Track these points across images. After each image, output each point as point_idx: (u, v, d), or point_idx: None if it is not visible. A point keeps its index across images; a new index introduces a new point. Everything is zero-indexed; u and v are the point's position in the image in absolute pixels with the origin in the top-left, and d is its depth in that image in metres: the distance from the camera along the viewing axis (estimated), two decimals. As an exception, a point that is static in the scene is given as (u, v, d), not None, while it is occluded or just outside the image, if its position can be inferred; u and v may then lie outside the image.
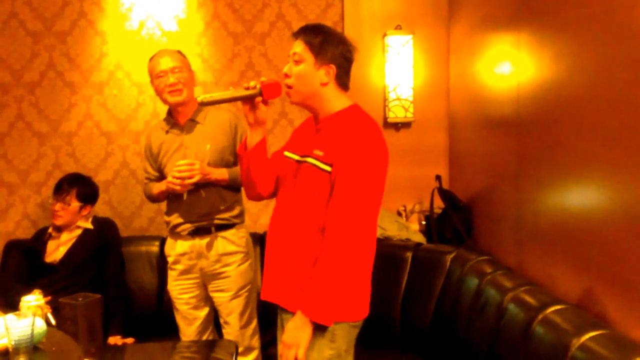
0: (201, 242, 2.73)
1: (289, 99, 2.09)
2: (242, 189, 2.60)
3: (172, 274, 2.83)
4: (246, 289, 2.79)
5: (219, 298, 2.77)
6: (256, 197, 2.27)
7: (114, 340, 3.01)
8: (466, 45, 3.49)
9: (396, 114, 3.71)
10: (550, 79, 2.44)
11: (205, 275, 2.76)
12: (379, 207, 2.04)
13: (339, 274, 1.92)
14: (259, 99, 2.04)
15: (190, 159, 2.66)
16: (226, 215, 2.76)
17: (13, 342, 1.82)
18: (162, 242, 3.49)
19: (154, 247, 3.50)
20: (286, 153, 2.18)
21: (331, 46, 2.02)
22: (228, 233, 2.75)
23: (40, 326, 1.93)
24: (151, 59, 2.82)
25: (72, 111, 3.66)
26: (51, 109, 3.64)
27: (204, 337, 2.85)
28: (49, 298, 2.38)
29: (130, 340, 3.04)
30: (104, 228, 3.26)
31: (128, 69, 3.66)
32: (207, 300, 2.83)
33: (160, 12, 3.65)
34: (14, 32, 3.58)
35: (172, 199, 2.79)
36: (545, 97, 2.48)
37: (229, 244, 2.75)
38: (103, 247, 3.21)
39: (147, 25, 3.65)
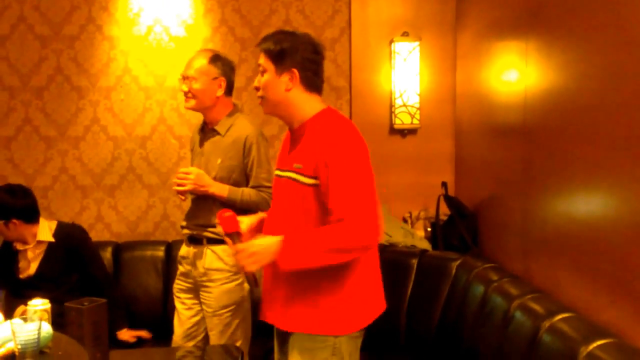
0: (194, 251, 2.72)
1: (263, 109, 2.10)
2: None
3: (177, 273, 2.85)
4: (229, 309, 2.67)
5: (204, 311, 2.73)
6: None
7: (126, 335, 3.00)
8: (473, 52, 3.49)
9: (402, 120, 3.71)
10: (558, 87, 2.43)
11: (196, 284, 2.74)
12: (377, 200, 1.99)
13: (334, 250, 1.88)
14: (226, 238, 2.02)
15: (188, 168, 2.66)
16: (218, 230, 2.64)
17: (19, 346, 1.82)
18: (168, 246, 3.52)
19: (160, 252, 3.50)
20: (275, 171, 2.17)
21: (291, 51, 2.01)
22: (218, 248, 2.67)
23: (47, 330, 1.94)
24: None
25: (79, 115, 3.67)
26: (58, 113, 3.65)
27: (192, 343, 2.81)
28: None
29: (143, 333, 3.06)
30: (68, 237, 3.11)
31: (135, 74, 3.67)
32: (202, 307, 2.79)
33: (168, 17, 3.66)
34: (23, 36, 3.60)
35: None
36: (552, 104, 2.47)
37: (216, 260, 2.66)
38: (74, 255, 3.09)
39: (154, 30, 3.66)
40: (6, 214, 2.98)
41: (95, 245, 3.27)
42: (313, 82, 2.06)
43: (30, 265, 3.06)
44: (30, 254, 3.07)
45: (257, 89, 2.07)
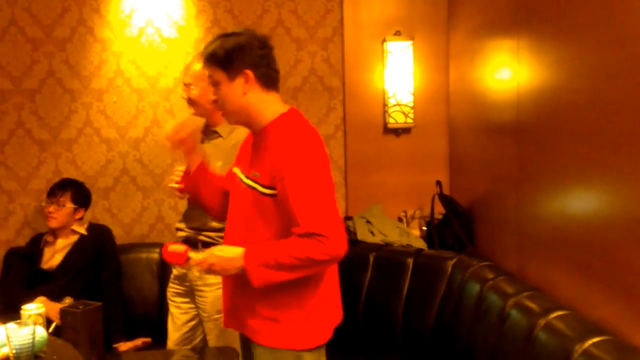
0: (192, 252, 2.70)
1: (227, 120, 2.04)
2: None
3: (171, 276, 2.83)
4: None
5: (200, 315, 2.72)
6: (220, 218, 2.24)
7: (125, 347, 3.03)
8: (466, 51, 3.50)
9: (396, 119, 3.72)
10: (551, 84, 2.44)
11: (192, 287, 2.73)
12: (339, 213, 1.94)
13: (305, 264, 1.83)
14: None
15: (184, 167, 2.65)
16: (213, 234, 2.65)
17: (14, 351, 1.82)
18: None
19: (154, 254, 3.49)
20: (234, 169, 2.10)
21: (237, 51, 1.91)
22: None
23: (41, 335, 1.93)
24: None
25: (72, 118, 3.65)
26: (51, 116, 3.64)
27: (188, 347, 2.80)
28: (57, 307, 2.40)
29: (140, 342, 3.09)
30: (99, 234, 3.30)
31: (128, 76, 3.66)
32: (198, 310, 2.78)
33: (160, 18, 3.65)
34: (14, 38, 3.58)
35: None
36: (545, 102, 2.48)
37: None
38: (98, 253, 3.23)
39: (146, 32, 3.65)
40: (86, 203, 3.33)
41: (117, 251, 3.38)
42: (269, 78, 1.95)
43: (55, 255, 3.20)
44: (59, 244, 3.23)
45: (215, 101, 1.99)
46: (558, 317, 2.07)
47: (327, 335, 2.00)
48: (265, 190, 1.90)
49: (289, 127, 1.93)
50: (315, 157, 1.90)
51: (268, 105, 1.96)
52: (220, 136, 2.69)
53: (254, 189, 1.93)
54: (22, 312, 2.11)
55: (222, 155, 2.64)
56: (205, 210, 2.32)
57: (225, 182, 2.19)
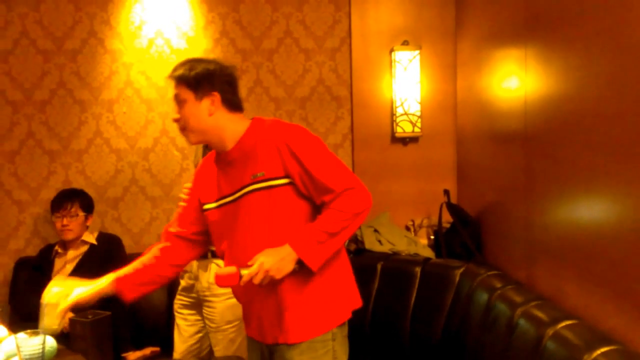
0: (198, 264, 2.71)
1: (188, 140, 2.06)
2: None
3: (178, 288, 2.83)
4: (233, 324, 2.69)
5: (207, 326, 2.72)
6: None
7: (134, 355, 3.04)
8: (473, 60, 3.50)
9: (404, 129, 3.72)
10: (558, 93, 2.44)
11: (199, 299, 2.73)
12: None
13: (346, 228, 1.92)
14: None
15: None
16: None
17: (24, 360, 1.83)
18: (172, 258, 3.51)
19: (163, 264, 3.50)
20: (207, 206, 2.09)
21: (208, 75, 1.98)
22: (223, 262, 2.68)
23: (51, 344, 1.94)
24: None
25: (82, 129, 3.69)
26: (61, 126, 3.67)
27: None
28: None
29: (149, 351, 3.10)
30: (109, 244, 3.33)
31: (137, 87, 3.69)
32: (205, 322, 2.78)
33: (170, 30, 3.69)
34: (25, 50, 3.63)
35: None
36: (553, 111, 2.48)
37: None
38: (109, 262, 3.22)
39: (156, 43, 3.68)
40: (92, 208, 3.38)
41: (127, 260, 3.33)
42: (234, 102, 2.04)
43: (66, 266, 3.24)
44: (70, 255, 3.27)
45: (178, 120, 2.01)
46: (566, 326, 2.06)
47: (352, 304, 2.09)
48: (279, 181, 1.95)
49: (267, 124, 2.03)
50: (306, 131, 2.03)
51: (234, 123, 2.03)
52: None
53: (265, 187, 1.95)
54: (44, 293, 2.13)
55: None
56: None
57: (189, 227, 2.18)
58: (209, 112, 1.99)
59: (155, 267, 2.18)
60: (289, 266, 1.90)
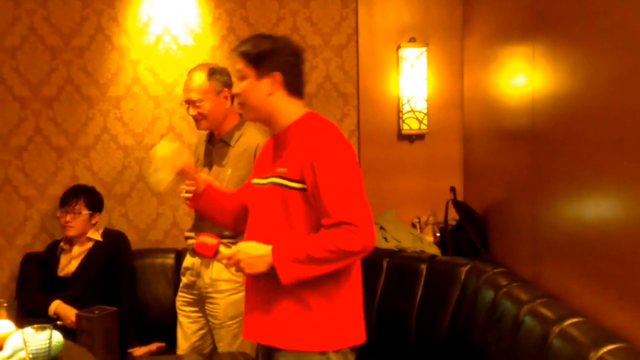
0: (200, 262, 2.70)
1: (245, 116, 2.07)
2: None
3: (180, 285, 2.83)
4: (237, 320, 2.63)
5: (210, 323, 2.71)
6: (234, 231, 2.30)
7: (140, 352, 3.05)
8: (480, 57, 3.49)
9: (410, 126, 3.72)
10: (566, 90, 2.43)
11: (202, 295, 2.73)
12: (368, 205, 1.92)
13: (336, 256, 1.82)
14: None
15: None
16: (227, 241, 2.56)
17: (31, 355, 1.84)
18: (178, 254, 3.54)
19: (170, 260, 3.53)
20: (253, 181, 2.10)
21: (271, 54, 1.95)
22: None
23: (57, 339, 1.95)
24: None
25: (89, 125, 3.70)
26: (69, 122, 3.69)
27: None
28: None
29: (155, 347, 3.12)
30: (114, 240, 3.33)
31: (145, 83, 3.70)
32: (207, 318, 2.76)
33: (177, 26, 3.69)
34: (33, 47, 3.64)
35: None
36: (560, 108, 2.47)
37: (224, 271, 2.61)
38: (114, 259, 3.26)
39: (163, 39, 3.69)
40: (100, 207, 3.36)
41: (132, 256, 3.41)
42: (295, 85, 2.00)
43: (71, 262, 3.24)
44: (75, 251, 3.26)
45: (237, 95, 2.02)
46: (573, 324, 2.05)
47: (355, 337, 1.97)
48: (293, 184, 1.91)
49: (315, 123, 1.98)
50: (344, 149, 1.94)
51: (290, 107, 2.00)
52: (228, 144, 2.69)
53: (282, 185, 1.93)
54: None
55: (231, 163, 2.65)
56: (222, 225, 2.33)
57: (239, 197, 2.21)
58: (268, 91, 1.96)
59: (231, 197, 2.24)
60: (261, 267, 1.87)
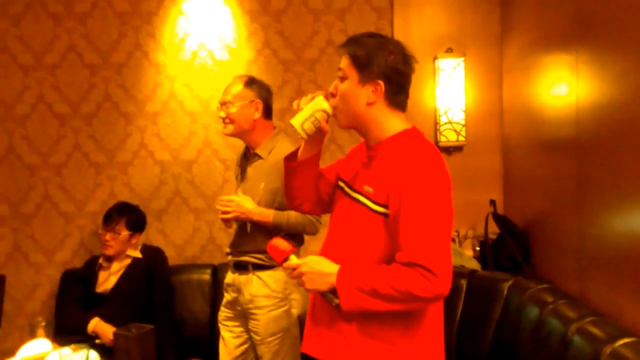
0: (240, 278, 2.68)
1: (338, 122, 1.87)
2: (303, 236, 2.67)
3: (223, 301, 2.82)
4: (277, 336, 2.63)
5: (253, 339, 2.69)
6: (296, 208, 2.13)
7: None
8: (520, 66, 3.41)
9: (448, 137, 3.65)
10: (612, 99, 2.34)
11: (244, 312, 2.71)
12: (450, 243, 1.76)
13: (396, 300, 1.65)
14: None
15: (230, 196, 2.65)
16: (263, 256, 2.60)
17: (68, 374, 1.84)
18: (214, 270, 3.53)
19: (206, 275, 3.52)
20: (340, 183, 1.95)
21: (379, 58, 1.77)
22: (265, 274, 2.63)
23: (94, 358, 1.94)
24: None
25: (127, 141, 3.73)
26: (107, 139, 3.72)
27: None
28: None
29: None
30: (152, 257, 3.33)
31: (181, 99, 3.72)
32: (250, 334, 2.74)
33: (212, 42, 3.70)
34: (72, 64, 3.70)
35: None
36: (606, 118, 2.38)
37: (263, 287, 2.62)
38: (152, 275, 3.26)
39: (199, 55, 3.71)
40: (142, 227, 3.36)
41: (169, 272, 3.41)
42: (398, 97, 1.82)
43: (109, 278, 3.25)
44: (114, 268, 3.27)
45: (333, 95, 1.83)
46: (625, 344, 1.96)
47: None
48: (376, 207, 1.75)
49: (413, 144, 1.78)
50: (439, 181, 1.73)
51: (389, 121, 1.83)
52: (261, 158, 2.69)
53: (364, 205, 1.79)
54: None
55: (264, 176, 2.65)
56: (287, 196, 2.14)
57: (321, 181, 2.04)
58: (368, 100, 1.78)
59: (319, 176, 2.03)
60: (322, 286, 1.74)
